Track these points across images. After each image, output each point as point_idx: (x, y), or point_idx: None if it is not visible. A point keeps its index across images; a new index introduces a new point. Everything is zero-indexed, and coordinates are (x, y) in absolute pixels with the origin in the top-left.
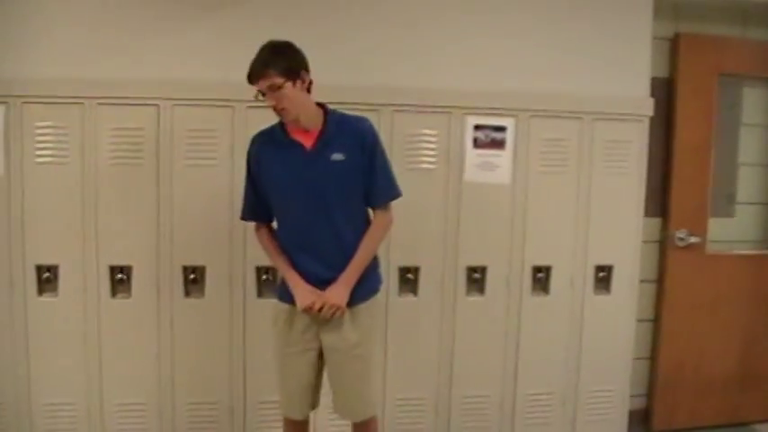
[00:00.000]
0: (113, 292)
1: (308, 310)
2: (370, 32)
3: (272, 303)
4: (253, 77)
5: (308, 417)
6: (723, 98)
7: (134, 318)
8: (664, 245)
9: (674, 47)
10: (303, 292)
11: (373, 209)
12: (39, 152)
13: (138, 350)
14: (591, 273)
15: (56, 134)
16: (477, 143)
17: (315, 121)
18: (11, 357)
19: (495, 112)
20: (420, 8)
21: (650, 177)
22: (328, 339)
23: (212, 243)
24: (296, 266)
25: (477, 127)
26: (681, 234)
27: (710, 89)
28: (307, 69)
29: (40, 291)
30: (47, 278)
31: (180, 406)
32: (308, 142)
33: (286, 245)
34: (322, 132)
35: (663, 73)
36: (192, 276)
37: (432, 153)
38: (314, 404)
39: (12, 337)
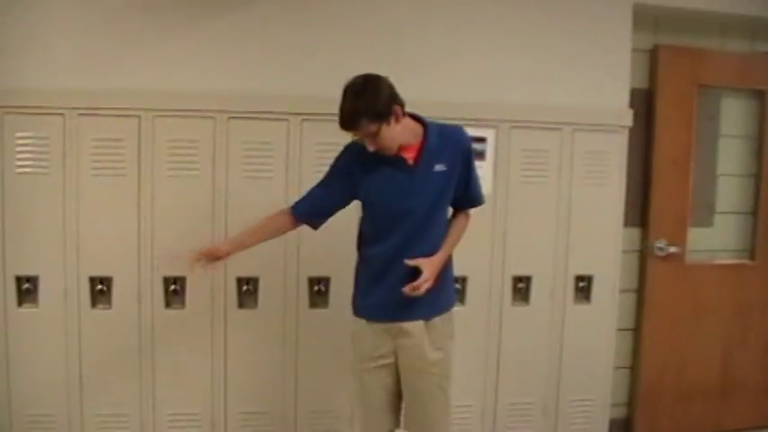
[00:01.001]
0: (93, 303)
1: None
2: (350, 46)
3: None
4: (346, 128)
5: None
6: (702, 109)
7: (116, 328)
8: (643, 255)
9: (653, 58)
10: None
11: (459, 211)
12: (19, 162)
13: (120, 361)
14: (571, 282)
15: (37, 144)
16: None
17: (413, 137)
18: None
19: (474, 123)
20: (402, 22)
21: (630, 188)
22: (404, 356)
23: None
24: (370, 296)
25: None
26: (660, 244)
27: (690, 100)
28: (396, 101)
29: (20, 302)
30: (27, 289)
31: (160, 417)
32: (409, 156)
33: (371, 271)
34: (423, 146)
35: (642, 84)
36: (173, 287)
37: None
38: (393, 426)
39: None
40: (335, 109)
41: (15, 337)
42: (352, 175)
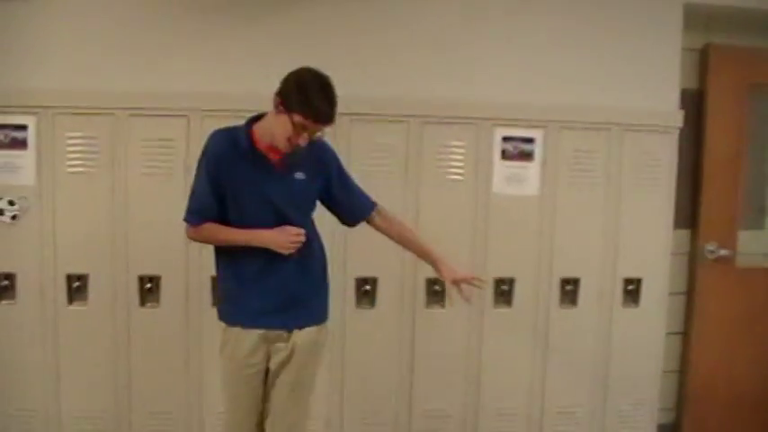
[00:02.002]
0: (142, 302)
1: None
2: (399, 45)
3: (219, 328)
4: (323, 123)
5: None
6: (753, 109)
7: (164, 328)
8: (693, 257)
9: (703, 58)
10: (275, 234)
11: (367, 220)
12: (70, 162)
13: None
14: (620, 285)
15: (87, 144)
16: (505, 155)
17: None
18: None
19: (523, 123)
20: (449, 20)
21: (680, 189)
22: (277, 358)
23: None
24: (249, 269)
25: (506, 138)
26: (711, 247)
27: (741, 100)
28: None
29: (70, 299)
30: (77, 287)
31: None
32: (275, 157)
33: (243, 272)
34: (285, 154)
35: (693, 84)
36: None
37: (460, 164)
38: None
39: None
40: (384, 108)
41: (65, 335)
42: (220, 173)
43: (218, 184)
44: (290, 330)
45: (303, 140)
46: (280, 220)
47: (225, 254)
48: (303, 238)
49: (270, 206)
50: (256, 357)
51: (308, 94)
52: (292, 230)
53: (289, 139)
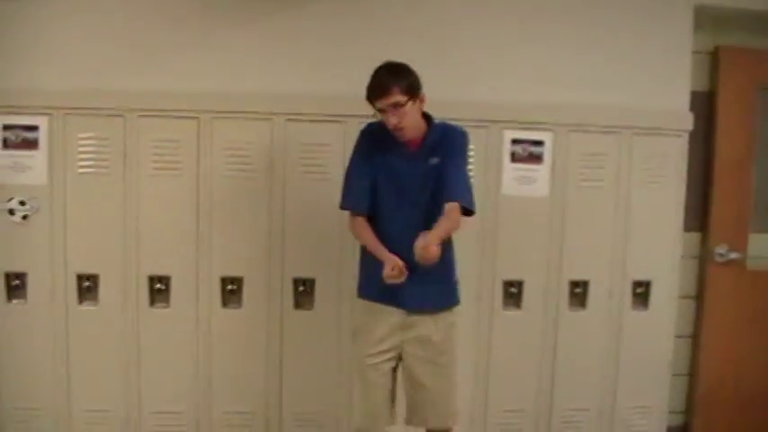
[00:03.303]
0: (152, 302)
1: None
2: (409, 46)
3: (356, 308)
4: (376, 95)
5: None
6: (764, 111)
7: (174, 327)
8: (703, 260)
9: (714, 60)
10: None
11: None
12: (81, 162)
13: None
14: (629, 288)
15: (98, 145)
16: (514, 157)
17: (419, 131)
18: None
19: (533, 126)
20: (458, 21)
21: (690, 192)
22: (411, 347)
23: (250, 254)
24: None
25: (515, 141)
26: (721, 249)
27: (751, 102)
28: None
29: (81, 299)
30: (87, 287)
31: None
32: (412, 147)
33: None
34: (424, 139)
35: (703, 86)
36: (230, 287)
37: (469, 166)
38: (393, 419)
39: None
40: None
41: (76, 335)
42: (373, 157)
43: (371, 164)
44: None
45: (389, 122)
46: (409, 205)
47: None
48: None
49: (402, 192)
50: None
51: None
52: (398, 269)
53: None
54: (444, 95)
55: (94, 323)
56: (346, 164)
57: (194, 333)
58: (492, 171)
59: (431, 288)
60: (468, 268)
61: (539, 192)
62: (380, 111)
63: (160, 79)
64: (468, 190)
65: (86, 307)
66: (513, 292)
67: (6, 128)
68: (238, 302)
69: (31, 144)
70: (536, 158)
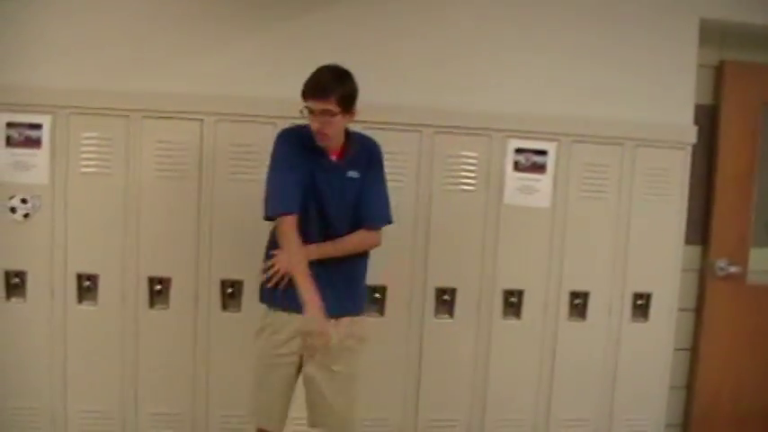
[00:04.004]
0: (151, 304)
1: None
2: (412, 53)
3: (261, 312)
4: (310, 96)
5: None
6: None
7: (173, 329)
8: (703, 274)
9: (718, 74)
10: (320, 314)
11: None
12: (84, 162)
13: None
14: (629, 300)
15: (101, 145)
16: (517, 166)
17: (340, 141)
18: None
19: (536, 135)
20: (464, 31)
21: (691, 205)
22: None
23: (250, 257)
24: None
25: (519, 150)
26: (721, 263)
27: (755, 117)
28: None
29: (80, 299)
30: (87, 287)
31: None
32: (332, 157)
33: None
34: (344, 151)
35: (706, 100)
36: (229, 291)
37: (472, 175)
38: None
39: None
40: (397, 117)
41: (74, 334)
42: (297, 163)
43: (298, 168)
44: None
45: (313, 125)
46: (325, 217)
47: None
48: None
49: (319, 203)
50: None
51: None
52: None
53: (315, 131)
54: (448, 104)
55: (93, 323)
56: None
57: (192, 334)
58: (495, 180)
59: (337, 294)
60: (468, 277)
61: (541, 201)
62: (308, 110)
63: (165, 81)
64: (387, 207)
65: (86, 306)
66: (512, 302)
67: (10, 125)
68: (238, 306)
69: (34, 142)
70: (539, 168)
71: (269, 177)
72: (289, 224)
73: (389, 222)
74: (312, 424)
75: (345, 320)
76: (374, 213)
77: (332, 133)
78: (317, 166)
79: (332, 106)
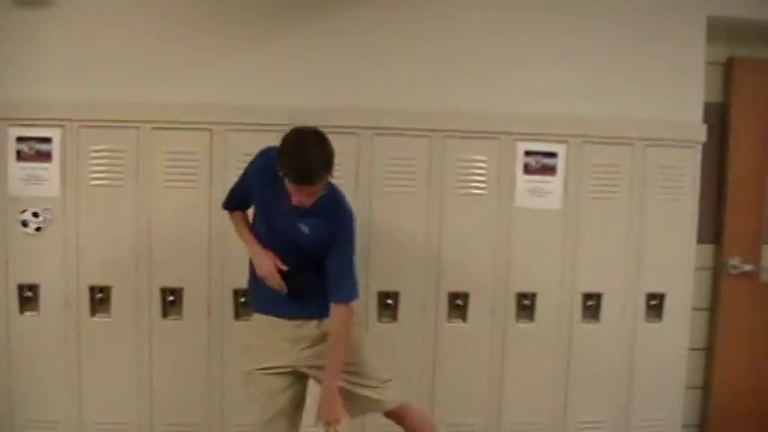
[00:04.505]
0: (164, 314)
1: (271, 275)
2: (421, 58)
3: (250, 321)
4: (295, 182)
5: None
6: None
7: (186, 339)
8: (717, 272)
9: (727, 71)
10: (265, 259)
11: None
12: (94, 174)
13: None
14: (642, 300)
15: (111, 157)
16: (527, 169)
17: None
18: None
19: (545, 137)
20: (472, 34)
21: (703, 204)
22: (311, 358)
23: None
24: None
25: (528, 153)
26: (734, 261)
27: (765, 114)
28: None
29: (93, 311)
30: (100, 299)
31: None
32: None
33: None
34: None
35: (716, 98)
36: (242, 300)
37: (482, 178)
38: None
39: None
40: (406, 122)
41: (88, 347)
42: (253, 190)
43: (248, 191)
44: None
45: (293, 198)
46: (279, 250)
47: None
48: (277, 279)
49: (272, 235)
50: None
51: (284, 154)
52: (273, 263)
53: (295, 197)
54: (457, 107)
55: (107, 335)
56: (358, 174)
57: (206, 344)
58: (505, 183)
59: (313, 300)
60: (480, 281)
61: (552, 204)
62: (293, 186)
63: (173, 92)
64: (351, 280)
65: (99, 318)
66: (526, 305)
67: (20, 140)
68: (249, 315)
69: (45, 156)
70: (549, 170)
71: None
72: (235, 215)
73: (355, 298)
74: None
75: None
76: (340, 291)
77: (313, 198)
78: (276, 205)
79: (318, 187)
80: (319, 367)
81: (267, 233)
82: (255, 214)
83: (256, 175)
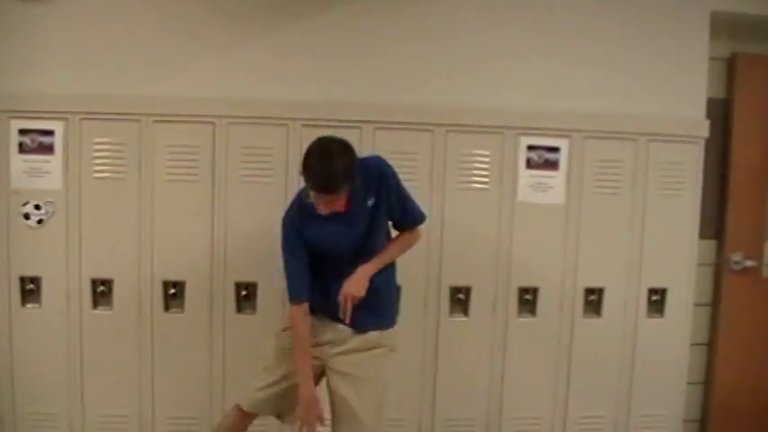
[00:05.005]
0: (166, 307)
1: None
2: (423, 52)
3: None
4: (320, 192)
5: (257, 415)
6: None
7: (188, 333)
8: (719, 268)
9: (731, 67)
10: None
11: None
12: (96, 167)
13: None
14: (644, 295)
15: (113, 150)
16: (530, 164)
17: None
18: None
19: (548, 132)
20: (474, 29)
21: (705, 199)
22: (338, 362)
23: (264, 259)
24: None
25: (531, 147)
26: (736, 257)
27: None
28: None
29: (95, 304)
30: (101, 291)
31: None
32: (340, 205)
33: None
34: (350, 197)
35: (719, 93)
36: (244, 293)
37: (484, 173)
38: (275, 411)
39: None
40: (409, 117)
41: (90, 339)
42: (303, 243)
43: (303, 248)
44: None
45: (320, 208)
46: (352, 254)
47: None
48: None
49: (348, 237)
50: None
51: (309, 164)
52: (315, 414)
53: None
54: (460, 102)
55: (109, 328)
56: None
57: (208, 337)
58: (508, 178)
59: (365, 312)
60: (483, 276)
61: (554, 198)
62: (316, 194)
63: (176, 84)
64: (417, 209)
65: (101, 311)
66: (527, 299)
67: (22, 132)
68: (253, 308)
69: (47, 149)
70: (552, 165)
71: (284, 265)
72: (296, 312)
73: (425, 218)
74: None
75: (373, 334)
76: (413, 218)
77: (338, 203)
78: (331, 222)
79: (341, 194)
80: (340, 373)
81: (335, 259)
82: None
83: (301, 224)
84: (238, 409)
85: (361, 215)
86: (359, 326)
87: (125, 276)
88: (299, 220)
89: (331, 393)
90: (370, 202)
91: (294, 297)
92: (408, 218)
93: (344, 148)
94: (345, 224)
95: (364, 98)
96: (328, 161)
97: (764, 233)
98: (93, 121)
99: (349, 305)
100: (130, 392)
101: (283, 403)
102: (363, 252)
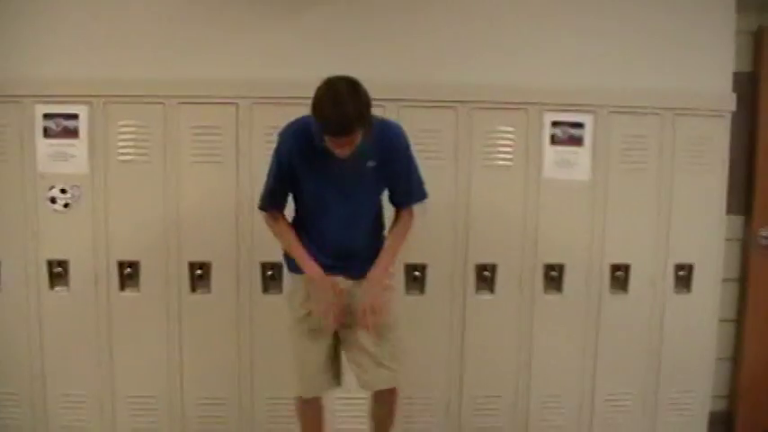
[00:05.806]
0: (192, 288)
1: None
2: (447, 29)
3: (288, 280)
4: (334, 135)
5: (324, 395)
6: None
7: (214, 314)
8: (747, 243)
9: (758, 40)
10: (323, 290)
11: (400, 209)
12: (121, 150)
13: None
14: (671, 271)
15: (138, 133)
16: (554, 140)
17: None
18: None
19: (573, 108)
20: (498, 5)
21: (733, 174)
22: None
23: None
24: (315, 231)
25: (555, 123)
26: (764, 232)
27: None
28: None
29: (122, 286)
30: (128, 274)
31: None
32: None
33: (306, 221)
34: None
35: (746, 67)
36: (270, 273)
37: (509, 150)
38: (334, 382)
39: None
40: (433, 95)
41: (118, 321)
42: (295, 166)
43: (290, 174)
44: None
45: (337, 152)
46: (345, 203)
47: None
48: (330, 318)
49: (338, 189)
50: None
51: (319, 106)
52: (332, 292)
53: (337, 150)
54: (483, 79)
55: (137, 309)
56: None
57: (234, 318)
58: (533, 154)
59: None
60: (509, 253)
61: (580, 174)
62: (329, 138)
63: (199, 66)
64: (420, 186)
65: (128, 293)
66: (553, 276)
67: (47, 117)
68: (279, 288)
69: (72, 133)
70: (576, 141)
71: (268, 174)
72: (281, 224)
73: (425, 197)
74: (363, 385)
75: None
76: (414, 193)
77: (353, 146)
78: (327, 165)
79: (357, 135)
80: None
81: (321, 201)
82: (297, 203)
83: (296, 152)
84: (303, 402)
85: (353, 169)
86: (359, 275)
87: (152, 258)
88: (300, 143)
89: (345, 345)
90: (371, 164)
91: (264, 206)
92: (411, 189)
93: (354, 85)
94: (346, 165)
95: (388, 77)
96: (340, 103)
97: None
98: (116, 105)
99: (370, 319)
100: (158, 373)
101: (335, 364)
102: (351, 214)
